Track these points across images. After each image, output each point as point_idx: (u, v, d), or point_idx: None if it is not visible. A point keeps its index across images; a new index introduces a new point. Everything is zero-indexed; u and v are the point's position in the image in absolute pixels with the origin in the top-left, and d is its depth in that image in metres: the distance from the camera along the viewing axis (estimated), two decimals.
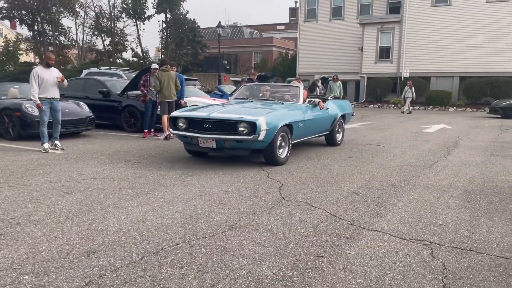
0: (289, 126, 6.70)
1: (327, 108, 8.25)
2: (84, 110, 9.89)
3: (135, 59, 39.48)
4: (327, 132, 8.57)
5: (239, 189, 5.10)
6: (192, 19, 38.91)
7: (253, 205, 4.44)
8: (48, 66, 7.74)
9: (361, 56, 28.17)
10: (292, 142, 6.99)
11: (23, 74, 33.28)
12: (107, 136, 10.07)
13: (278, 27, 52.41)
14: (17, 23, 40.26)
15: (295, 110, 7.15)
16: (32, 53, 41.94)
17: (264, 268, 2.91)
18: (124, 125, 10.95)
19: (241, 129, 6.05)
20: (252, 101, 7.55)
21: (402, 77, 26.29)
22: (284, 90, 8.40)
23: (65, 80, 7.89)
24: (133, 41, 59.36)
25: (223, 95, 16.19)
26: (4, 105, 9.35)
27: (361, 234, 3.61)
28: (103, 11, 40.34)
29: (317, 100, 8.11)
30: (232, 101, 7.75)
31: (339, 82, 17.78)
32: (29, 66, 37.60)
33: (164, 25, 39.45)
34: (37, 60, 41.95)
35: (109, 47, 40.40)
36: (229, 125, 6.17)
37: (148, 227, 3.71)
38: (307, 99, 7.95)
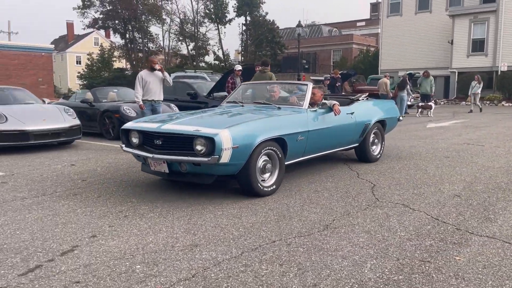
0: (279, 141, 4.75)
1: (352, 113, 6.01)
2: (175, 111, 10.42)
3: (216, 62, 40.88)
4: (356, 144, 6.38)
5: (329, 189, 5.01)
6: (271, 20, 39.37)
7: (346, 205, 4.33)
8: (152, 69, 8.12)
9: (451, 50, 26.40)
10: (290, 162, 5.09)
11: (116, 79, 36.14)
12: None
13: (358, 24, 50.99)
14: (111, 32, 43.80)
15: (293, 118, 5.09)
16: (124, 59, 45.26)
17: (366, 271, 2.82)
18: None
19: (199, 147, 4.22)
20: (242, 106, 5.72)
21: (499, 71, 24.13)
22: (289, 90, 6.35)
23: (166, 73, 8.26)
24: (214, 45, 61.38)
25: None
26: (104, 107, 10.20)
27: (469, 240, 3.34)
28: (187, 17, 42.31)
29: (331, 102, 5.68)
30: (221, 106, 6.05)
31: (431, 78, 16.69)
32: (121, 72, 40.73)
33: (244, 27, 40.35)
34: (128, 66, 45.19)
35: (192, 51, 42.26)
36: (183, 142, 4.39)
37: (243, 223, 3.78)
38: (321, 101, 5.71)
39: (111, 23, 40.73)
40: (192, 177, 4.56)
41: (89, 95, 11.03)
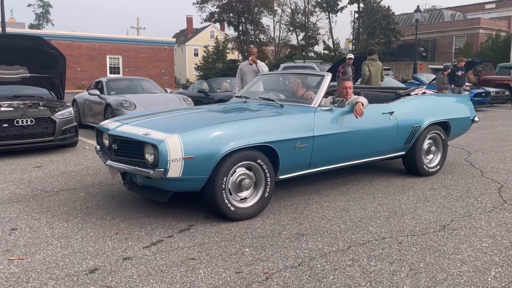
0: (265, 149, 3.64)
1: (391, 112, 4.64)
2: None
3: (326, 51, 40.28)
4: (402, 153, 4.94)
5: (447, 186, 4.63)
6: (386, 6, 37.42)
7: (467, 206, 3.96)
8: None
9: None
10: (289, 176, 3.99)
11: (229, 70, 37.84)
12: None
13: (486, 6, 45.80)
14: (226, 25, 45.91)
15: (290, 120, 3.94)
16: (237, 51, 47.11)
17: (489, 279, 2.55)
18: None
19: (147, 156, 3.36)
20: (245, 102, 4.73)
21: None
22: (303, 82, 4.90)
23: (259, 63, 7.59)
24: (324, 34, 60.95)
25: (420, 84, 15.06)
26: (218, 97, 10.74)
27: None
28: (298, 7, 42.36)
29: (357, 98, 4.37)
30: (228, 102, 5.10)
31: None
32: (234, 63, 42.45)
33: (356, 15, 39.03)
34: (240, 57, 46.96)
35: (302, 41, 42.26)
36: (136, 148, 3.55)
37: (351, 217, 3.69)
38: (338, 98, 4.35)
39: (226, 16, 42.63)
40: (148, 191, 3.66)
41: (205, 85, 11.73)
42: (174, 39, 39.81)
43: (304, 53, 39.60)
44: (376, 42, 36.75)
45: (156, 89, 10.49)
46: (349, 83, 4.58)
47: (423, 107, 5.05)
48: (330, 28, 40.31)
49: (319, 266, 2.74)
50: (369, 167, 5.62)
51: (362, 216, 3.70)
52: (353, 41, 40.65)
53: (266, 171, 3.66)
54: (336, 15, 39.93)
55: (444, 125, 5.20)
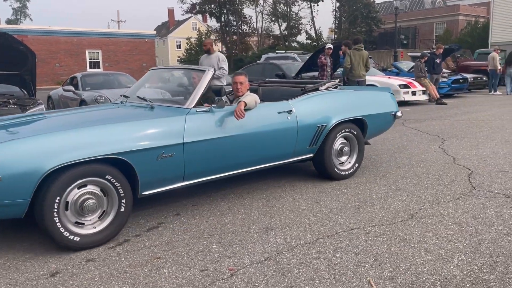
0: (117, 163, 3.03)
1: (290, 111, 4.07)
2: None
3: (308, 41, 40.28)
4: (310, 155, 4.40)
5: (419, 174, 4.67)
6: None
7: (437, 193, 4.00)
8: (206, 52, 7.28)
9: None
10: (157, 191, 3.36)
11: None
12: None
13: None
14: (208, 16, 45.44)
15: (154, 124, 3.32)
16: (220, 42, 46.74)
17: (452, 267, 2.57)
18: None
19: None
20: (121, 102, 4.16)
21: None
22: (182, 80, 4.55)
23: (215, 53, 7.12)
24: (307, 24, 60.60)
25: (399, 73, 15.16)
26: None
27: None
28: None
29: (243, 97, 3.96)
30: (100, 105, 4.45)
31: None
32: None
33: (337, 4, 39.00)
34: (224, 49, 46.63)
35: (285, 31, 42.11)
36: None
37: (321, 208, 3.69)
38: (215, 97, 3.85)
39: (207, 7, 42.18)
40: None
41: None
42: (155, 32, 39.28)
43: (286, 43, 39.50)
44: (357, 31, 36.81)
45: (132, 83, 10.32)
46: (240, 78, 4.08)
47: (330, 104, 4.45)
48: (312, 18, 40.30)
49: (285, 260, 2.74)
50: None
51: (332, 208, 3.71)
52: (335, 30, 40.69)
53: (119, 188, 3.02)
54: (317, 5, 39.89)
55: (359, 123, 4.64)
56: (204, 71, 3.86)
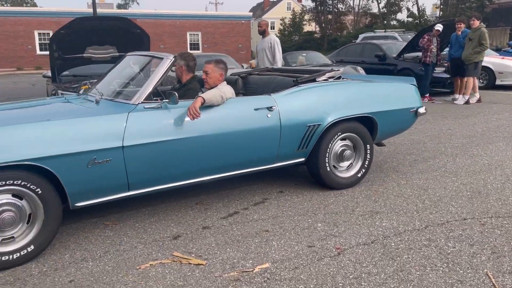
0: (39, 171, 2.55)
1: (270, 107, 3.37)
2: (360, 74, 10.22)
3: (410, 19, 37.83)
4: (301, 160, 3.66)
5: None
6: None
7: None
8: (261, 34, 6.94)
9: None
10: (90, 203, 2.80)
11: (306, 43, 37.25)
12: None
13: None
14: None
15: (85, 124, 2.75)
16: (314, 22, 46.03)
17: None
18: None
19: None
20: (79, 96, 3.74)
21: None
22: (144, 69, 3.69)
23: (269, 35, 6.72)
24: (408, 0, 57.01)
25: None
26: None
27: None
28: None
29: (211, 91, 3.21)
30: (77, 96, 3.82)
31: None
32: (311, 35, 41.69)
33: None
34: (317, 29, 45.85)
35: (383, 9, 40.06)
36: None
37: (430, 196, 3.56)
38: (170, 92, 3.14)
39: None
40: None
41: None
42: (251, 13, 39.88)
43: (385, 22, 37.58)
44: (467, 7, 33.70)
45: (232, 65, 10.70)
46: (208, 67, 3.49)
47: (325, 98, 3.63)
48: None
49: (393, 244, 2.72)
50: (452, 145, 5.32)
51: (442, 196, 3.55)
52: (441, 6, 37.62)
53: (46, 198, 2.57)
54: None
55: (366, 122, 3.85)
56: (162, 58, 3.19)
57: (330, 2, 42.25)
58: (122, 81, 3.58)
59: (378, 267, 2.44)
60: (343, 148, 3.76)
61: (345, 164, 3.83)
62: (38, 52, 29.23)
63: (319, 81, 3.80)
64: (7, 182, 2.44)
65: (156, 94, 3.56)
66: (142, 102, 2.95)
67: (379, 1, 40.13)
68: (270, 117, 3.34)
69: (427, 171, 4.25)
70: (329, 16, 42.42)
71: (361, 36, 19.14)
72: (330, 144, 3.65)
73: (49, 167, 2.53)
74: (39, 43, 29.49)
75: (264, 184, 3.97)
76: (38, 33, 29.36)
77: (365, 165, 3.89)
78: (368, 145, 3.86)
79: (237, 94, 3.81)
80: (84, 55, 7.24)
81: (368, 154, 3.88)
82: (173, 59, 3.19)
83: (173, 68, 3.66)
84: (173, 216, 3.25)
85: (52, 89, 7.64)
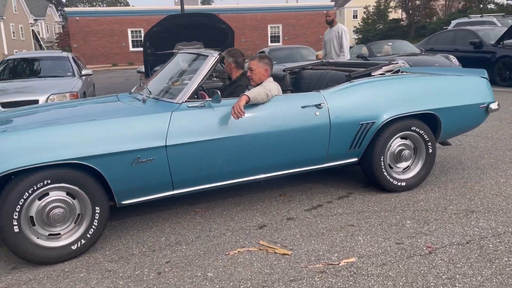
0: (85, 169, 2.63)
1: (319, 105, 3.18)
2: (453, 63, 9.55)
3: (510, 1, 34.32)
4: (354, 160, 3.45)
5: None
6: None
7: None
8: (328, 24, 6.81)
9: None
10: (163, 196, 2.90)
11: (391, 31, 35.57)
12: None
13: None
14: None
15: (129, 123, 2.80)
16: (400, 9, 43.75)
17: None
18: (497, 78, 9.87)
19: None
20: (130, 94, 3.71)
21: None
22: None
23: (337, 25, 6.66)
24: None
25: None
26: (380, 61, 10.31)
27: None
28: None
29: (251, 90, 3.11)
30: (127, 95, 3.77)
31: None
32: (397, 22, 39.69)
33: None
34: (404, 16, 43.51)
35: None
36: None
37: None
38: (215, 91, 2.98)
39: None
40: None
41: (364, 50, 11.34)
42: (333, 3, 39.04)
43: (481, 6, 34.54)
44: None
45: (313, 56, 10.59)
46: (252, 64, 3.34)
47: (381, 94, 3.38)
48: None
49: (491, 246, 2.54)
50: None
51: None
52: None
53: (94, 195, 2.65)
54: None
55: (429, 119, 3.52)
56: (207, 56, 3.18)
57: None
58: (170, 79, 3.56)
59: (474, 269, 2.30)
60: (401, 147, 3.49)
61: (403, 165, 3.54)
62: (131, 49, 31.44)
63: (374, 75, 3.55)
64: (60, 180, 2.53)
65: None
66: (186, 101, 2.93)
67: None
68: (319, 115, 3.17)
69: None
70: (417, 2, 39.98)
71: (453, 22, 17.75)
72: (386, 144, 3.40)
73: (95, 166, 2.59)
74: (132, 40, 31.71)
75: (348, 178, 3.91)
76: (131, 31, 31.58)
77: (427, 166, 3.58)
78: (430, 145, 3.53)
79: (285, 91, 3.70)
80: (173, 51, 7.65)
81: (430, 155, 3.56)
82: (218, 56, 3.14)
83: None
84: (258, 206, 3.35)
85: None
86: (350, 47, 17.10)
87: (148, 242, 2.83)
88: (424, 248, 2.56)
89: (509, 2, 34.15)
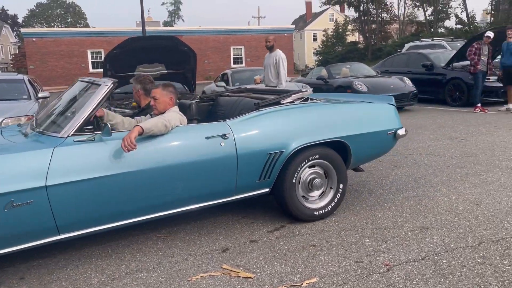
0: None
1: (225, 135, 3.04)
2: (407, 85, 10.01)
3: (458, 26, 36.55)
4: (266, 190, 3.32)
5: None
6: None
7: None
8: (268, 49, 6.91)
9: None
10: (44, 242, 2.60)
11: (349, 53, 36.90)
12: (429, 110, 9.86)
13: None
14: (345, 6, 44.66)
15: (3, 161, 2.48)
16: (357, 32, 45.54)
17: None
18: (448, 99, 10.42)
19: None
20: (19, 127, 3.45)
21: None
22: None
23: (275, 51, 6.75)
24: (457, 7, 55.32)
25: None
26: (337, 84, 10.64)
27: None
28: None
29: (143, 120, 3.35)
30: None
31: None
32: (355, 45, 41.25)
33: None
34: (361, 39, 45.31)
35: (430, 17, 39.02)
36: None
37: (483, 211, 3.43)
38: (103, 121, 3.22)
39: None
40: None
41: (324, 72, 11.69)
42: (293, 26, 40.13)
43: (432, 30, 36.53)
44: None
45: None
46: (155, 92, 3.22)
47: (289, 123, 3.29)
48: None
49: (444, 261, 2.65)
50: (506, 158, 5.09)
51: (496, 211, 3.42)
52: (492, 12, 36.11)
53: None
54: None
55: (338, 146, 3.49)
56: (99, 85, 2.93)
57: (374, 11, 41.70)
58: (62, 109, 3.22)
59: (429, 285, 2.39)
60: (311, 176, 3.42)
61: (316, 193, 3.48)
62: (91, 70, 30.86)
63: (284, 103, 3.49)
64: None
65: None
66: (72, 135, 2.66)
67: (425, 9, 39.15)
68: (224, 146, 3.01)
69: (480, 185, 4.10)
70: (373, 26, 41.85)
71: (407, 45, 18.66)
72: (295, 173, 3.30)
73: None
74: (92, 61, 31.16)
75: None
76: (91, 52, 31.06)
77: (340, 194, 3.54)
78: (340, 172, 3.49)
79: (190, 120, 3.59)
80: (134, 73, 7.59)
81: (342, 182, 3.52)
82: (112, 85, 2.88)
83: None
84: (221, 229, 3.34)
85: (106, 106, 8.04)
86: (310, 69, 17.51)
87: (107, 271, 2.76)
88: (382, 266, 2.63)
89: (457, 26, 36.35)
